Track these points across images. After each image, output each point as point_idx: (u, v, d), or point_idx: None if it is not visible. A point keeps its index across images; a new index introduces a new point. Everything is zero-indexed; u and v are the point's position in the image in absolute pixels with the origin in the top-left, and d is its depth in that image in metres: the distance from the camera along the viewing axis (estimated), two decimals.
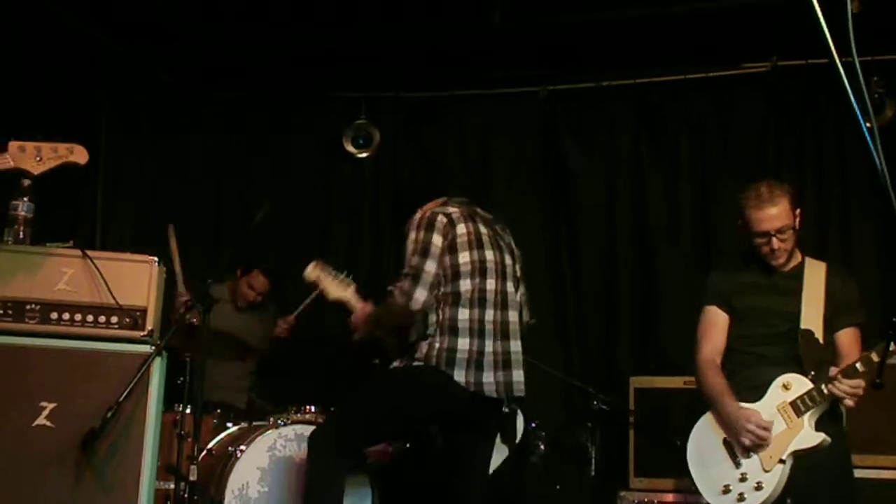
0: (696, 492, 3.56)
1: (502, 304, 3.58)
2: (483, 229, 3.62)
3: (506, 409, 3.61)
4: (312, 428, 3.94)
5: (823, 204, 5.26)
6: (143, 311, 3.12)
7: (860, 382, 3.27)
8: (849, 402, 3.33)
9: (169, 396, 3.34)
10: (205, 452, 4.23)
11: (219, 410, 4.59)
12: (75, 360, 3.06)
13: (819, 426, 3.36)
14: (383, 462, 4.30)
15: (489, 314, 3.52)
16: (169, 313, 4.01)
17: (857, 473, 3.69)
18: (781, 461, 3.35)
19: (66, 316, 3.07)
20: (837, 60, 1.48)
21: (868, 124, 1.51)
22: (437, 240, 3.48)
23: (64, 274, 3.08)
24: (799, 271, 3.58)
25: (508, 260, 3.68)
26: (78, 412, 2.98)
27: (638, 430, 4.69)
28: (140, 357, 3.07)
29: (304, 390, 4.86)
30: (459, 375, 3.41)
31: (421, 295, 3.41)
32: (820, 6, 1.48)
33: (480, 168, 6.01)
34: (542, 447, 4.71)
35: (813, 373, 3.38)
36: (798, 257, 3.62)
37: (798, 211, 3.53)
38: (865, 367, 3.24)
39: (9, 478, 2.92)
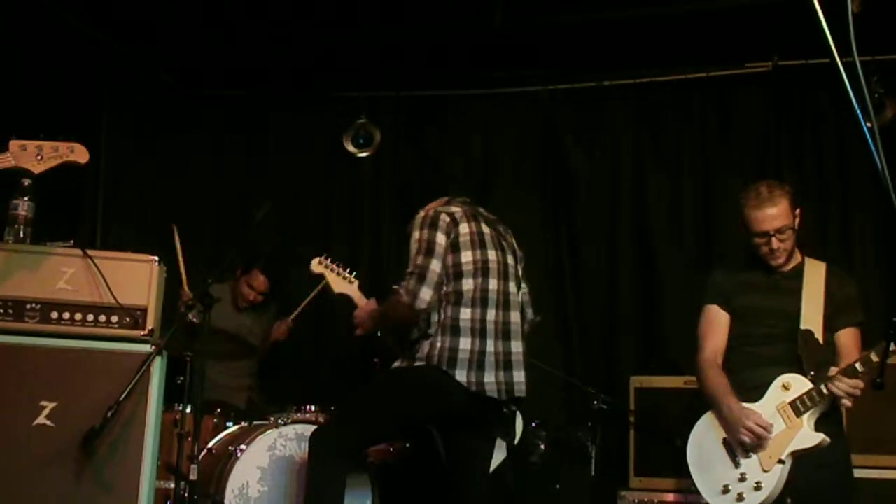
0: (697, 492, 3.57)
1: (504, 304, 3.58)
2: (486, 229, 3.62)
3: (505, 410, 3.61)
4: (313, 427, 3.94)
5: (823, 203, 5.26)
6: (144, 311, 3.12)
7: (859, 383, 3.27)
8: (847, 402, 3.33)
9: (169, 396, 3.34)
10: (205, 452, 4.23)
11: (219, 410, 4.58)
12: (75, 359, 3.06)
13: (819, 426, 3.37)
14: (384, 462, 4.31)
15: (491, 314, 3.52)
16: (172, 313, 4.02)
17: (857, 473, 3.68)
18: (780, 461, 3.35)
19: (66, 315, 3.07)
20: (838, 60, 1.48)
21: (868, 124, 1.51)
22: (440, 238, 3.48)
23: (64, 273, 3.08)
24: (799, 271, 3.59)
25: (511, 260, 3.68)
26: (78, 411, 2.99)
27: (638, 430, 4.69)
28: (140, 356, 3.07)
29: (304, 390, 4.87)
30: (461, 375, 3.41)
31: (426, 294, 3.40)
32: (820, 6, 1.48)
33: (481, 168, 6.00)
34: (542, 447, 4.71)
35: (812, 373, 3.38)
36: (798, 257, 3.62)
37: (798, 211, 3.53)
38: (865, 367, 3.25)
39: (9, 477, 2.93)
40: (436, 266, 3.44)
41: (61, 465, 2.97)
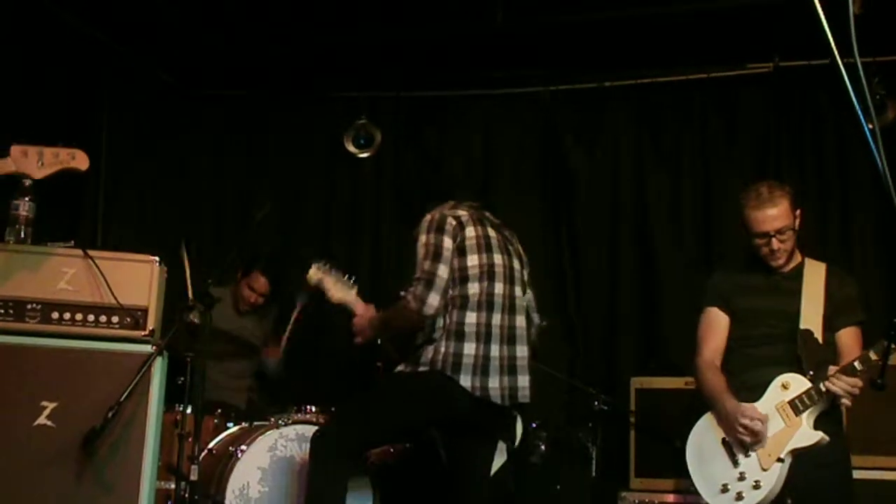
0: (696, 492, 3.57)
1: (510, 308, 3.57)
2: (491, 233, 3.60)
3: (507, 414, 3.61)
4: (313, 428, 3.94)
5: (823, 204, 5.26)
6: (145, 311, 3.11)
7: (857, 381, 3.28)
8: (846, 401, 3.34)
9: (169, 396, 3.34)
10: (205, 452, 4.22)
11: (219, 410, 4.58)
12: (76, 359, 3.05)
13: (818, 426, 3.37)
14: (385, 463, 4.30)
15: (496, 318, 3.51)
16: (173, 314, 4.01)
17: (857, 474, 3.69)
18: (780, 460, 3.36)
19: (67, 315, 3.06)
20: (839, 61, 1.48)
21: (870, 125, 1.51)
22: (447, 242, 3.46)
23: (65, 273, 3.08)
24: (799, 272, 3.59)
25: (516, 264, 3.67)
26: (79, 412, 2.98)
27: (638, 431, 4.69)
28: (141, 357, 3.06)
29: (305, 391, 4.86)
30: (465, 380, 3.40)
31: (434, 300, 3.38)
32: (822, 7, 1.48)
33: (482, 168, 5.99)
34: (543, 447, 4.71)
35: (812, 372, 3.39)
36: (798, 258, 3.62)
37: (798, 212, 3.53)
38: (864, 366, 3.25)
39: (9, 477, 2.92)
40: (443, 271, 3.42)
41: (62, 466, 2.96)
